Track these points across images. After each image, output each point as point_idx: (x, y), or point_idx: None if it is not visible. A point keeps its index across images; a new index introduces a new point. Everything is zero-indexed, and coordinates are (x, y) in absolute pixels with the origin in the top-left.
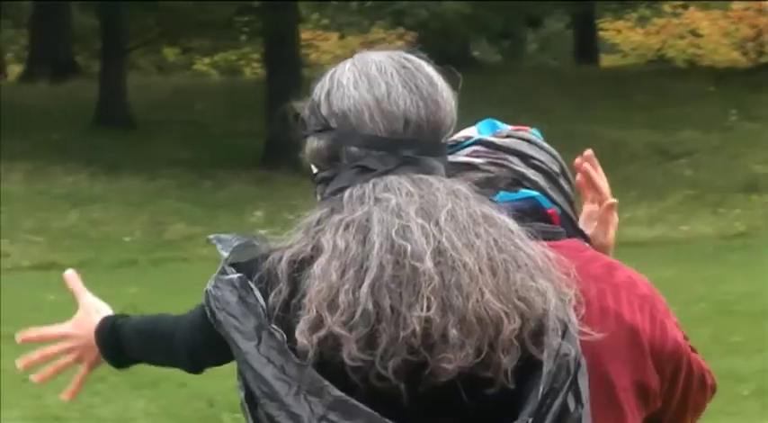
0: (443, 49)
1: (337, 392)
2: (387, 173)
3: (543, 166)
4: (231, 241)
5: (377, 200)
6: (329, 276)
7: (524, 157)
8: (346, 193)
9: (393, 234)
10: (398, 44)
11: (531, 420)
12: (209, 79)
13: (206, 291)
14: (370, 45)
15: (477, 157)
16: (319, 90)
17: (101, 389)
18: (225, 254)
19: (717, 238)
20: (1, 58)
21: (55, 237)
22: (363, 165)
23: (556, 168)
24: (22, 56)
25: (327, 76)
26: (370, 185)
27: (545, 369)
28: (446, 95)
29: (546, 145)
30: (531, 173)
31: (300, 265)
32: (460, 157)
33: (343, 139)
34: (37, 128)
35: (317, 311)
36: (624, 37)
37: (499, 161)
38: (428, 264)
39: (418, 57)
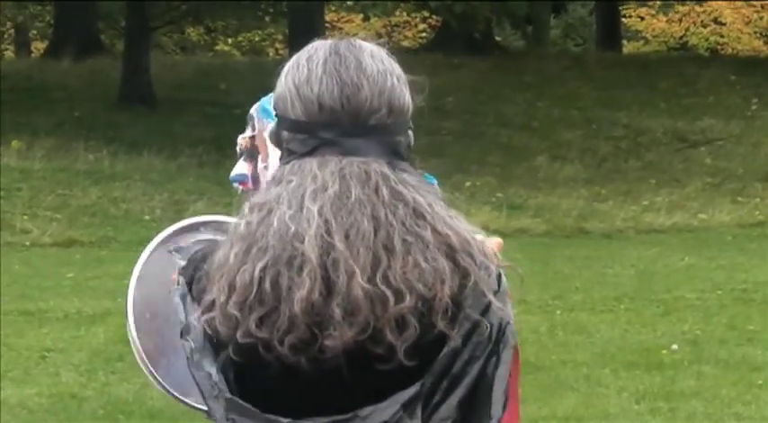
0: (467, 33)
1: (227, 395)
2: (305, 155)
3: None
4: (190, 249)
5: (287, 181)
6: (228, 260)
7: None
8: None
9: (287, 217)
10: (421, 28)
11: (423, 384)
12: (233, 59)
13: None
14: (393, 28)
15: None
16: None
17: (118, 367)
18: (182, 263)
19: (736, 227)
20: (25, 35)
21: (75, 214)
22: (289, 148)
23: None
24: (46, 33)
25: None
26: (288, 167)
27: (451, 343)
28: (375, 79)
29: None
30: None
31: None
32: None
33: (278, 123)
34: (60, 105)
35: (214, 293)
36: (647, 24)
37: None
38: (307, 246)
39: (378, 45)
